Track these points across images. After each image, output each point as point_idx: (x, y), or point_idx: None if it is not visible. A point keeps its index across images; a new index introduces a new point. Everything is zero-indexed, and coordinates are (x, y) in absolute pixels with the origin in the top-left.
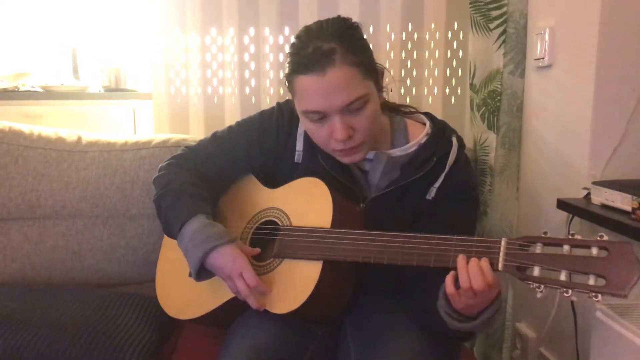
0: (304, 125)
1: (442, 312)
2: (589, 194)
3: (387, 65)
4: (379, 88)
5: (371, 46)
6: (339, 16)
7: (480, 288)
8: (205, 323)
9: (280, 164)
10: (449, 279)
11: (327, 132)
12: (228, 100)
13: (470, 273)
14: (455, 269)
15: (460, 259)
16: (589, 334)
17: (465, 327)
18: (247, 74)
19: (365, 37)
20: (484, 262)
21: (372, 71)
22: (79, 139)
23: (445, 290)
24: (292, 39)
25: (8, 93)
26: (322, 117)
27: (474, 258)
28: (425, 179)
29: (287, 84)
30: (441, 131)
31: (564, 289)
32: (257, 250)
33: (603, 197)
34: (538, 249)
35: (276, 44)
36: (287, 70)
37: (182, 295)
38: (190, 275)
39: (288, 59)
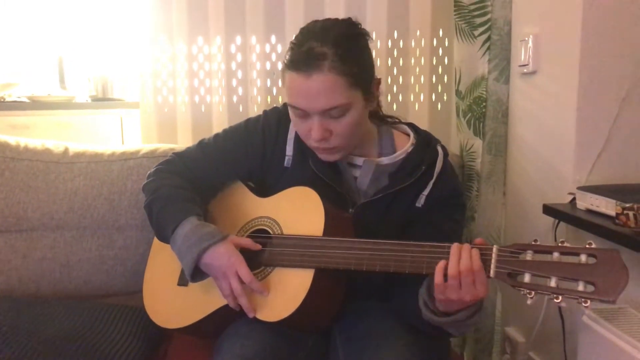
0: (290, 115)
1: (420, 300)
2: (574, 199)
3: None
4: (369, 98)
5: None
6: (349, 18)
7: (465, 268)
8: (193, 333)
9: (268, 170)
10: (439, 267)
11: (306, 129)
12: (216, 109)
13: (462, 255)
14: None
15: (454, 246)
16: (577, 337)
17: (435, 320)
18: (234, 82)
19: (367, 45)
20: (474, 251)
21: (361, 81)
22: (66, 150)
23: (435, 279)
24: (297, 32)
25: None
26: (304, 114)
27: (467, 244)
28: (413, 187)
29: (280, 73)
30: (426, 141)
31: (554, 295)
32: (258, 246)
33: (588, 202)
34: (528, 256)
35: (263, 53)
36: (284, 62)
37: (171, 304)
38: (179, 284)
39: (287, 52)
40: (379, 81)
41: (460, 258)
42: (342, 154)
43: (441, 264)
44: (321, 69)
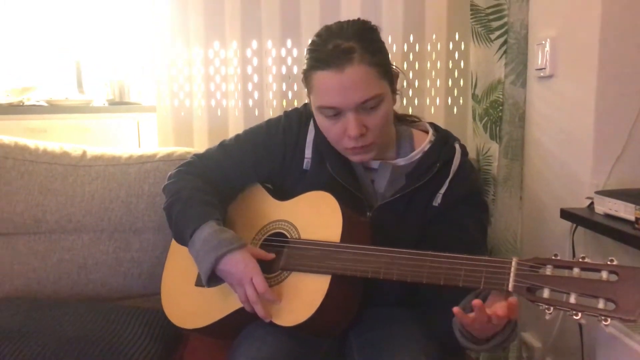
0: (317, 121)
1: (456, 330)
2: (592, 203)
3: None
4: (394, 90)
5: None
6: (359, 18)
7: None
8: (210, 334)
9: (288, 172)
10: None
11: (340, 129)
12: (232, 113)
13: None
14: (466, 288)
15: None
16: (595, 344)
17: (476, 348)
18: (250, 86)
19: (382, 40)
20: (504, 304)
21: (388, 73)
22: (84, 153)
23: (462, 323)
24: (313, 37)
25: (13, 107)
26: (336, 113)
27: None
28: (430, 186)
29: (304, 79)
30: (444, 139)
31: (574, 312)
32: (272, 255)
33: (606, 206)
34: (548, 270)
35: (279, 57)
36: (305, 66)
37: (188, 304)
38: (197, 284)
39: (307, 55)
40: (397, 74)
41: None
42: (374, 152)
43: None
44: (352, 62)
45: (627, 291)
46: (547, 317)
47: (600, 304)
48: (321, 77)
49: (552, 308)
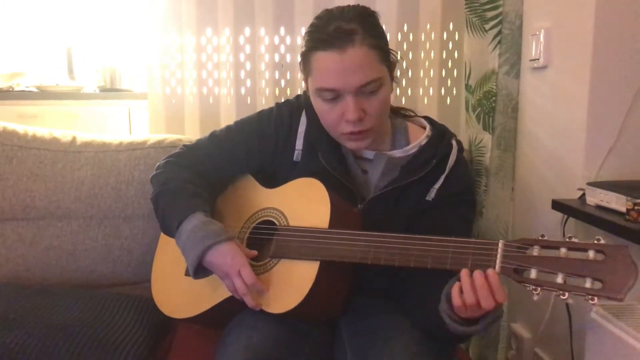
0: (315, 105)
1: (444, 315)
2: (583, 194)
3: None
4: (392, 77)
5: None
6: (358, 4)
7: (490, 308)
8: (200, 323)
9: (278, 164)
10: (455, 291)
11: (338, 113)
12: (224, 101)
13: (479, 293)
14: (453, 270)
15: (464, 275)
16: (584, 334)
17: (467, 331)
18: (242, 74)
19: (382, 26)
20: (493, 278)
21: (387, 58)
22: (74, 139)
23: (452, 303)
24: (313, 20)
25: (2, 93)
26: (335, 96)
27: (478, 271)
28: (424, 181)
29: (301, 62)
30: (441, 134)
31: (561, 292)
32: (254, 252)
33: (598, 197)
34: (535, 251)
35: (272, 45)
36: (303, 48)
37: (178, 294)
38: (186, 274)
39: (306, 37)
40: (396, 62)
41: (474, 289)
42: (370, 140)
43: (456, 289)
44: (354, 43)
45: (613, 270)
46: (535, 297)
47: (587, 284)
48: (322, 58)
49: (539, 289)
